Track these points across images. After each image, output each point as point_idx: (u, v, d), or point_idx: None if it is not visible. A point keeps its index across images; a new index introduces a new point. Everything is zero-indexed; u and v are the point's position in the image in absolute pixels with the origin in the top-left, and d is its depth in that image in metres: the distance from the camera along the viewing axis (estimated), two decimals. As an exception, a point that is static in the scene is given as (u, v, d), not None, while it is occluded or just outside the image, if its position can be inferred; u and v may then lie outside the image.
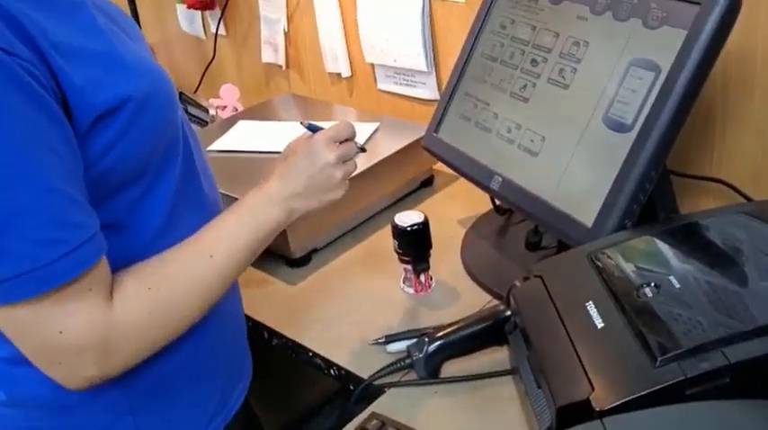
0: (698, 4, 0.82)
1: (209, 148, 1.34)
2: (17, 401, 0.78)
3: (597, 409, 0.65)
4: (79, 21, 0.70)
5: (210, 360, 0.87)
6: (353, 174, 0.88)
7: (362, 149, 0.90)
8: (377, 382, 0.91)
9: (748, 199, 1.04)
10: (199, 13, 1.81)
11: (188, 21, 1.88)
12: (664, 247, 0.83)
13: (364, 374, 0.92)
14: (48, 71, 0.64)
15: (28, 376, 0.74)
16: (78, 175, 0.68)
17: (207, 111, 1.61)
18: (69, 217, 0.66)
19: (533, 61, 1.02)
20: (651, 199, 0.88)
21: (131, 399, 0.80)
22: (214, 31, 1.79)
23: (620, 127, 0.88)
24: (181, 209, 0.80)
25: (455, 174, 1.18)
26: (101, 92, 0.67)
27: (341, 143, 0.86)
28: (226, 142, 1.36)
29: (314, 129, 0.87)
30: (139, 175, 0.75)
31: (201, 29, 1.86)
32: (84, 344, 0.68)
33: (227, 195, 1.18)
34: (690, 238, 0.85)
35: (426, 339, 0.90)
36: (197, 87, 1.85)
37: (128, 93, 0.70)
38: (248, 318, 1.09)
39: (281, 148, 1.29)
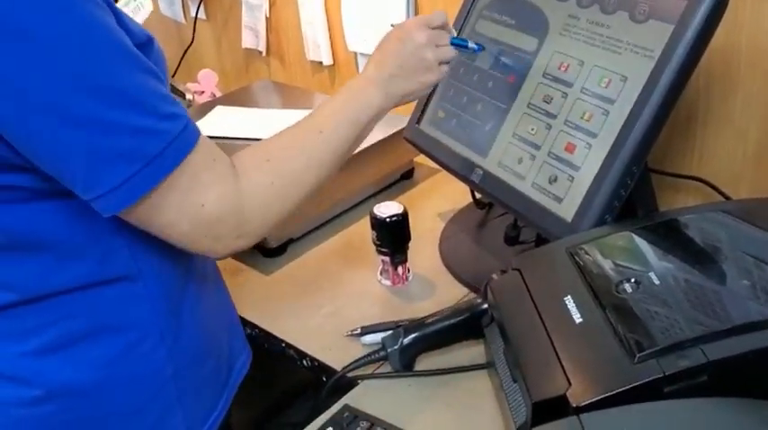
0: (685, -2, 0.81)
1: (185, 133, 1.31)
2: (56, 393, 0.75)
3: (574, 405, 0.64)
4: None
5: (218, 331, 0.88)
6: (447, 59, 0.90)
7: (474, 49, 0.95)
8: (350, 374, 0.89)
9: (727, 198, 1.04)
10: (178, -6, 1.79)
11: (167, 3, 1.84)
12: (643, 244, 0.82)
13: (338, 366, 0.91)
14: None
15: (62, 364, 0.74)
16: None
17: (184, 96, 1.58)
18: (170, 97, 0.70)
19: (516, 54, 1.01)
20: (631, 196, 0.87)
21: (174, 362, 0.80)
22: (194, 14, 1.76)
23: (601, 122, 0.87)
24: None
25: (435, 167, 1.16)
26: (131, 32, 0.70)
27: (433, 28, 0.89)
28: (202, 128, 1.32)
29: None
30: None
31: (181, 12, 1.82)
32: (222, 213, 0.72)
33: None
34: (669, 235, 0.84)
35: (402, 331, 0.88)
36: (174, 72, 1.82)
37: (148, 33, 0.74)
38: (221, 307, 1.07)
39: (258, 135, 1.28)
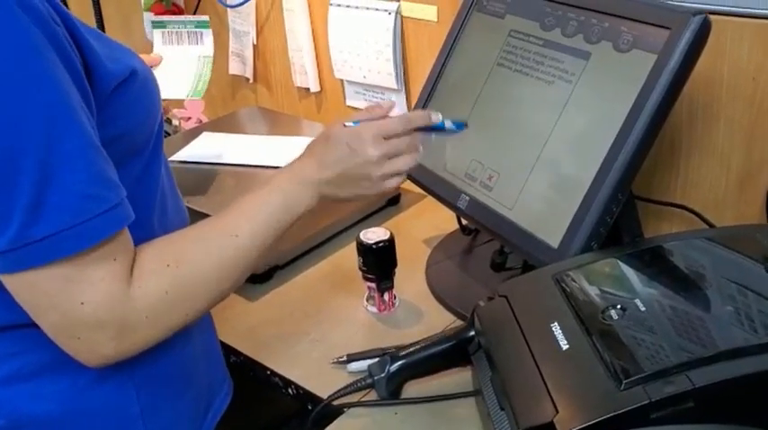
0: (668, 28, 0.83)
1: (170, 158, 1.31)
2: (19, 423, 0.74)
3: (561, 433, 0.64)
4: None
5: (198, 361, 0.85)
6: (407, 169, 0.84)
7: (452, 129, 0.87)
8: (336, 402, 0.89)
9: (711, 225, 1.05)
10: (166, 22, 1.79)
11: (155, 30, 1.85)
12: (628, 270, 0.82)
13: (323, 394, 0.90)
14: (73, 41, 0.65)
15: (26, 394, 0.72)
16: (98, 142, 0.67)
17: (170, 122, 1.58)
18: (108, 174, 0.65)
19: (501, 82, 1.02)
20: (616, 223, 0.88)
21: (142, 398, 0.77)
22: (181, 41, 1.76)
23: (587, 147, 0.88)
24: (167, 194, 0.80)
25: (422, 193, 1.17)
26: (113, 62, 0.68)
27: (390, 138, 0.82)
28: (188, 153, 1.33)
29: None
30: (141, 148, 0.75)
31: (168, 39, 1.83)
32: (103, 318, 0.66)
33: (188, 207, 1.15)
34: (654, 262, 0.85)
35: (388, 359, 0.88)
36: (162, 98, 1.82)
37: (133, 65, 0.71)
38: (206, 334, 1.06)
39: (243, 161, 1.28)
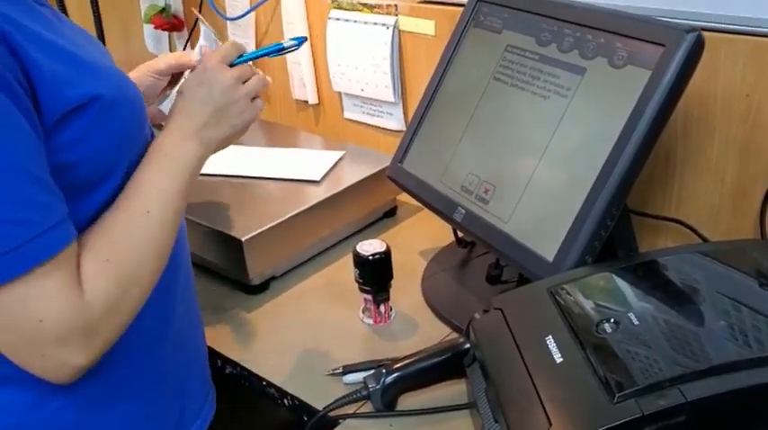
0: (662, 45, 0.84)
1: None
2: None
3: (554, 445, 0.64)
4: (41, 19, 0.70)
5: (163, 376, 0.84)
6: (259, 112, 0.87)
7: (296, 43, 0.91)
8: (332, 414, 0.89)
9: (706, 240, 1.05)
10: (166, 33, 1.80)
11: (154, 41, 1.86)
12: (623, 284, 0.83)
13: (319, 405, 0.90)
14: (17, 64, 0.63)
15: None
16: (44, 162, 0.66)
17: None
18: (38, 198, 0.65)
19: (497, 96, 1.02)
20: (611, 237, 0.89)
21: (85, 419, 0.76)
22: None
23: (582, 161, 0.89)
24: None
25: (418, 205, 1.17)
26: (70, 87, 0.67)
27: (234, 65, 0.84)
28: (187, 164, 1.34)
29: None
30: (105, 177, 0.74)
31: (168, 50, 1.84)
32: (66, 330, 0.66)
33: (187, 218, 1.16)
34: (648, 276, 0.85)
35: (384, 370, 0.88)
36: (161, 109, 1.83)
37: (96, 91, 0.69)
38: (202, 345, 1.06)
39: (241, 172, 1.28)
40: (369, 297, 1.05)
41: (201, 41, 0.98)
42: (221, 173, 1.29)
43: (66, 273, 0.67)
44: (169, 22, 1.72)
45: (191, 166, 0.80)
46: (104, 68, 0.74)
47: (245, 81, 0.85)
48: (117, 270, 0.71)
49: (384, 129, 1.47)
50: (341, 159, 1.33)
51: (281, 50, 0.92)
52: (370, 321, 1.06)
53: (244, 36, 1.63)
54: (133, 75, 0.96)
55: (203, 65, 0.84)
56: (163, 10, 1.74)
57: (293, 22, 1.51)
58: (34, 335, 0.65)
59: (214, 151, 0.84)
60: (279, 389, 0.97)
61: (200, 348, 0.93)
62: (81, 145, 0.69)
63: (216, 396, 0.95)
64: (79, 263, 0.69)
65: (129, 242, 0.73)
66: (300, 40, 0.92)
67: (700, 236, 1.06)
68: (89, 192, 0.73)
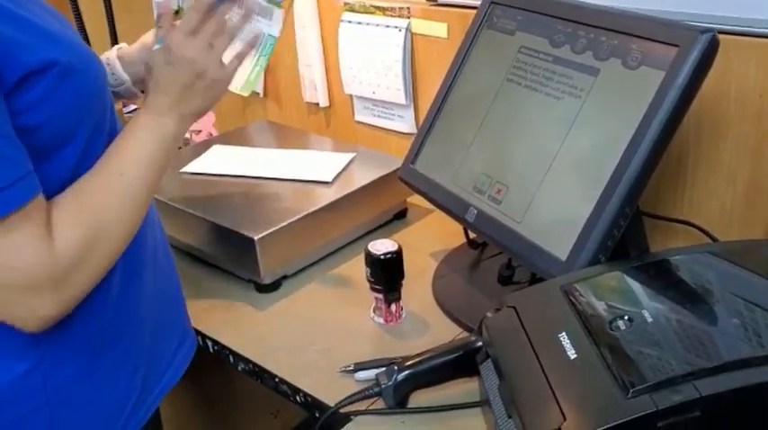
0: (676, 45, 0.84)
1: (182, 170, 1.33)
2: None
3: (569, 440, 0.64)
4: None
5: (138, 330, 0.87)
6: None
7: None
8: (343, 410, 0.89)
9: (716, 241, 1.05)
10: (179, 37, 1.81)
11: (167, 45, 1.87)
12: (636, 283, 0.83)
13: (331, 402, 0.91)
14: None
15: None
16: (6, 118, 0.68)
17: (181, 135, 1.60)
18: (2, 152, 0.67)
19: (510, 98, 1.03)
20: (623, 237, 0.89)
21: (49, 389, 0.79)
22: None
23: (596, 162, 0.89)
24: None
25: (428, 208, 1.18)
26: (27, 52, 0.69)
27: (197, 33, 0.85)
28: (199, 165, 1.35)
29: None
30: (66, 140, 0.76)
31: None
32: (35, 279, 0.70)
33: (196, 215, 1.17)
34: (661, 275, 0.85)
35: (396, 367, 0.89)
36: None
37: (53, 57, 0.71)
38: (214, 342, 1.07)
39: (252, 173, 1.29)
40: (380, 296, 1.05)
41: None
42: (234, 173, 1.30)
43: (35, 225, 0.70)
44: (182, 25, 1.73)
45: (167, 140, 0.83)
46: (63, 37, 0.75)
47: (213, 44, 0.85)
48: (86, 225, 0.74)
49: (395, 131, 1.48)
50: (352, 161, 1.33)
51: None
52: (381, 320, 1.07)
53: (256, 39, 1.64)
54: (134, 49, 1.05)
55: (166, 43, 0.84)
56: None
57: (305, 25, 1.52)
58: (5, 283, 0.69)
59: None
60: (291, 386, 0.97)
61: (175, 296, 0.97)
62: (41, 107, 0.72)
63: (218, 389, 0.97)
64: (51, 217, 0.72)
65: (100, 200, 0.76)
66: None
67: (711, 238, 1.06)
68: (53, 155, 0.75)
